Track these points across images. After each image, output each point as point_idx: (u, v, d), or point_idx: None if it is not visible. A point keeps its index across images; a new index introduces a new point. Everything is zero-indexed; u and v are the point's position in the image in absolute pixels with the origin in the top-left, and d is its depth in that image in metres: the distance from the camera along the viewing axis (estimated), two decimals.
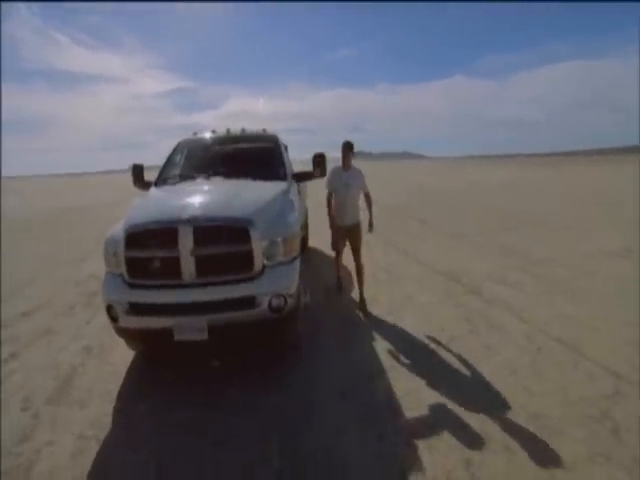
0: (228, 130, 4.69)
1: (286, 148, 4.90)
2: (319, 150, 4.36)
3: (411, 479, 2.06)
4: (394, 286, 5.09)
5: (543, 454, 2.20)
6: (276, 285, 2.77)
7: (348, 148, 4.12)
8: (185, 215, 2.71)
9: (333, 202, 4.28)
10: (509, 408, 2.60)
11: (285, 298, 2.80)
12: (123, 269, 2.76)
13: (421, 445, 2.29)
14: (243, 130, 4.72)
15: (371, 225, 4.39)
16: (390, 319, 4.07)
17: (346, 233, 4.30)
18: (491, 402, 2.68)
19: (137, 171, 4.29)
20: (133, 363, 3.39)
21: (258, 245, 2.73)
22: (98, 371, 3.30)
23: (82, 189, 38.78)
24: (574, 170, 37.21)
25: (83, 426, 2.59)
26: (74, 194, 30.54)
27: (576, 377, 2.95)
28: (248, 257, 2.72)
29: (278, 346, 3.34)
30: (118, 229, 2.92)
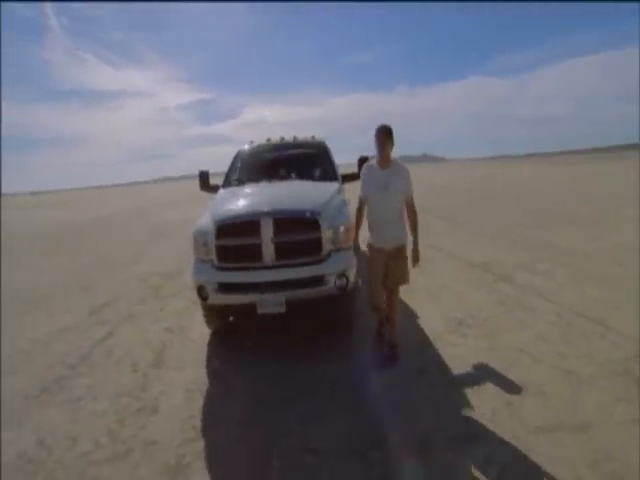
0: (282, 138, 5.29)
1: None
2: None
3: (464, 414, 2.54)
4: (430, 274, 5.54)
5: (573, 399, 2.64)
6: (340, 267, 3.30)
7: (385, 135, 2.97)
8: (265, 209, 3.29)
9: (367, 215, 3.27)
10: (543, 366, 3.04)
11: (347, 278, 3.32)
12: (213, 255, 3.35)
13: (464, 389, 2.78)
14: (295, 137, 5.31)
15: (416, 254, 3.18)
16: (429, 302, 4.54)
17: (385, 259, 3.15)
18: (526, 362, 3.12)
19: (203, 177, 4.93)
20: (211, 339, 3.98)
21: (325, 233, 3.28)
22: (183, 345, 3.90)
23: (113, 200, 40.57)
24: (604, 166, 36.52)
25: (186, 383, 3.18)
26: (107, 204, 32.09)
27: (602, 345, 3.35)
28: (317, 243, 3.27)
29: (340, 319, 3.85)
30: (205, 223, 3.52)
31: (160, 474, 2.21)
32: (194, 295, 5.16)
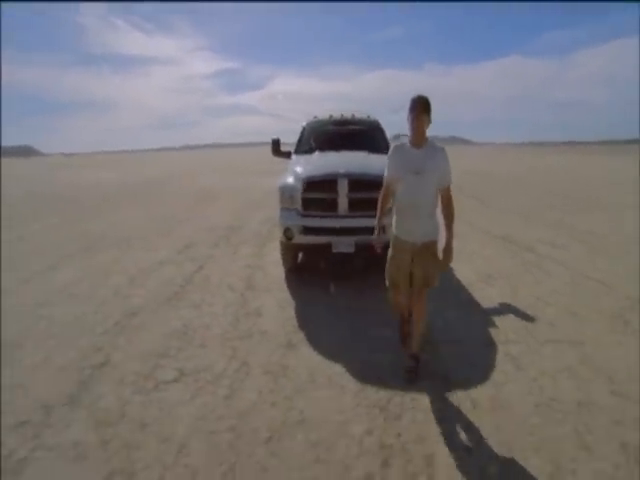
0: (342, 115, 6.09)
1: None
2: None
3: (490, 329, 3.45)
4: (461, 242, 6.35)
5: (575, 328, 3.50)
6: None
7: (422, 107, 2.49)
8: (342, 171, 4.17)
9: (395, 201, 2.83)
10: (554, 309, 3.90)
11: None
12: (298, 205, 4.28)
13: (493, 316, 3.69)
14: (353, 115, 6.10)
15: (449, 253, 2.68)
16: (462, 262, 5.39)
17: (411, 255, 2.70)
18: (541, 305, 3.98)
19: (275, 144, 5.82)
20: (286, 275, 4.96)
21: None
22: (265, 277, 4.91)
23: (145, 165, 42.11)
24: None
25: (276, 301, 4.18)
26: (140, 169, 33.54)
27: (605, 299, 4.14)
28: None
29: None
30: (290, 180, 4.44)
31: (278, 347, 3.23)
32: (259, 244, 6.20)
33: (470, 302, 4.07)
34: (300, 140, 5.80)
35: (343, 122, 5.93)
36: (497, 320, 3.64)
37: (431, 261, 2.70)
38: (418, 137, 2.60)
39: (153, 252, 6.15)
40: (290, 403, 2.56)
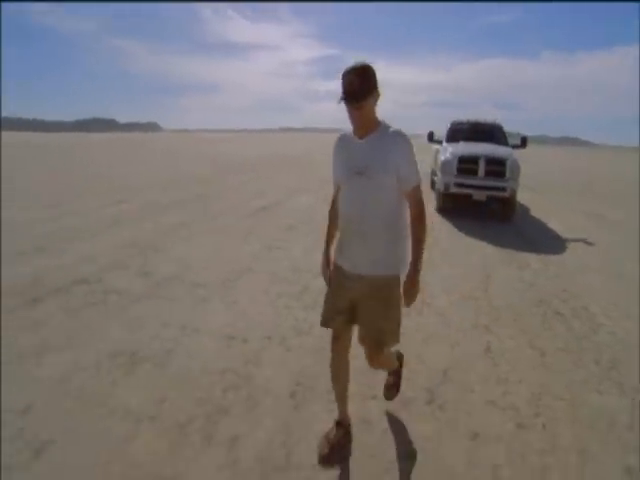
0: (476, 119, 9.30)
1: None
2: None
3: (565, 243, 6.56)
4: (550, 213, 9.19)
5: (610, 240, 6.43)
6: (513, 185, 7.36)
7: (361, 78, 1.60)
8: (480, 153, 7.47)
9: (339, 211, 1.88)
10: (603, 237, 6.79)
11: (514, 190, 7.39)
12: (454, 170, 7.67)
13: (566, 241, 6.77)
14: (485, 119, 9.28)
15: (414, 286, 1.76)
16: (552, 220, 8.31)
17: (354, 292, 1.79)
18: (593, 237, 6.87)
19: (430, 134, 9.29)
20: (438, 211, 8.40)
21: (507, 168, 7.34)
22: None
23: (262, 143, 48.19)
24: None
25: (438, 221, 7.68)
26: (261, 146, 39.20)
27: (620, 238, 6.88)
28: (503, 172, 7.36)
29: (507, 213, 7.91)
30: (448, 156, 7.83)
31: (451, 234, 6.74)
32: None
33: (556, 236, 7.11)
34: (448, 133, 9.21)
35: (476, 123, 9.21)
36: (569, 242, 6.67)
37: (382, 309, 1.76)
38: (360, 123, 1.70)
39: (308, 197, 9.96)
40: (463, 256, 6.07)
